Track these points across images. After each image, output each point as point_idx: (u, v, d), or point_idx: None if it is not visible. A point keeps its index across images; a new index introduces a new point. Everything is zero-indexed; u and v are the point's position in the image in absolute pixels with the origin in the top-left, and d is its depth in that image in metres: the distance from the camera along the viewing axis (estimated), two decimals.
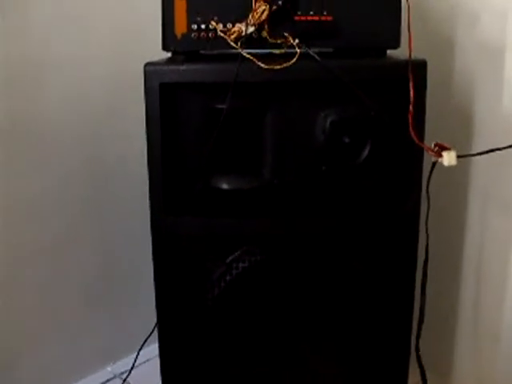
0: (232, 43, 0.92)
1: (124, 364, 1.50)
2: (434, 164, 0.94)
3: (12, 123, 1.22)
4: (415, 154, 0.96)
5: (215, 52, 0.96)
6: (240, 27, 0.92)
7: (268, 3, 0.91)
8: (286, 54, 0.93)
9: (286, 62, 0.90)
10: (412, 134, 0.90)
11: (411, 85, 0.91)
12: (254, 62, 0.90)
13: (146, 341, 1.30)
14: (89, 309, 1.44)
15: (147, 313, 1.17)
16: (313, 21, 0.94)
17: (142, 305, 1.40)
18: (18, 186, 1.26)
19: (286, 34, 0.93)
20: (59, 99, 1.29)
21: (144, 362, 1.47)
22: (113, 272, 1.48)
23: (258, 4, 0.91)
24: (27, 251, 1.30)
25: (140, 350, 1.36)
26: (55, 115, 1.29)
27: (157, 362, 1.10)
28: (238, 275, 1.01)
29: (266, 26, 0.92)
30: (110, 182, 1.42)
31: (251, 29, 0.92)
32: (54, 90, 1.28)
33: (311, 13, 0.94)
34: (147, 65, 0.94)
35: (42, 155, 1.29)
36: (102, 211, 1.43)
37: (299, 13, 0.94)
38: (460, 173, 1.19)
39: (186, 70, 0.93)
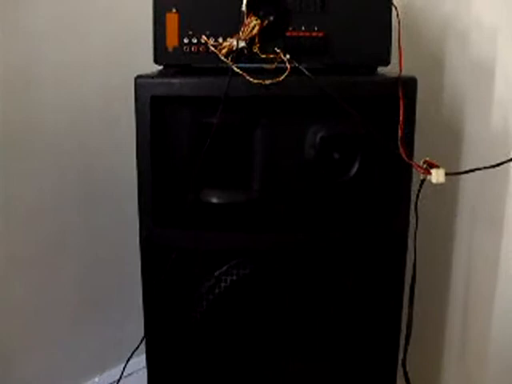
0: (223, 58, 0.92)
1: (112, 375, 1.49)
2: (422, 181, 0.94)
3: (8, 130, 1.22)
4: (404, 171, 0.96)
5: (207, 66, 0.96)
6: (231, 42, 0.92)
7: (259, 18, 0.91)
8: (276, 69, 0.93)
9: (276, 77, 0.90)
10: (401, 150, 0.91)
11: (401, 102, 0.91)
12: (244, 77, 0.90)
13: (134, 352, 1.29)
14: (77, 319, 1.44)
15: (136, 324, 1.17)
16: (304, 37, 0.94)
17: (130, 316, 1.39)
18: (16, 190, 1.26)
19: (277, 50, 0.93)
20: (55, 108, 1.29)
21: (132, 373, 1.46)
22: (102, 282, 1.47)
23: (249, 19, 0.91)
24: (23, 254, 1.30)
25: (128, 360, 1.35)
26: (51, 122, 1.29)
27: (144, 372, 1.09)
28: (226, 288, 1.01)
29: (257, 41, 0.92)
30: (105, 186, 1.42)
31: (242, 43, 0.92)
32: (49, 99, 1.28)
33: (303, 28, 0.94)
34: (138, 77, 0.94)
35: (40, 160, 1.29)
36: (95, 219, 1.43)
37: (291, 28, 0.94)
38: (448, 189, 1.20)
39: (177, 84, 0.93)
